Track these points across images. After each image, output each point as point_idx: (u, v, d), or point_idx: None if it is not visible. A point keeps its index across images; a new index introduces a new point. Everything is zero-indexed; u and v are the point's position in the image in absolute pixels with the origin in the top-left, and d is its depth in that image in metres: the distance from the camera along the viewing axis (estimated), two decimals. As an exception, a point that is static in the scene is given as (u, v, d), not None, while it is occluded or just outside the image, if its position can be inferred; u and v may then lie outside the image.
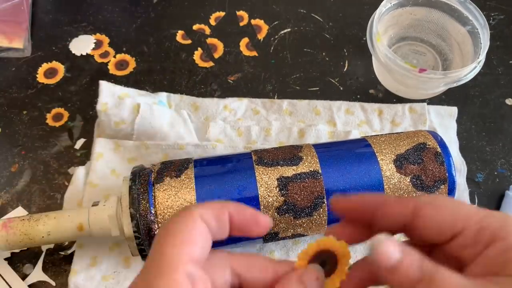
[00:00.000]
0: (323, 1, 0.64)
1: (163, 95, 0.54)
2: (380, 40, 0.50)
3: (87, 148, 0.52)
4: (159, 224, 0.37)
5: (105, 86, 0.51)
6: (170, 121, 0.51)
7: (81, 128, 0.53)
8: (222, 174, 0.39)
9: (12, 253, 0.46)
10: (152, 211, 0.37)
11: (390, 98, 0.56)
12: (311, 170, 0.39)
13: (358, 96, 0.56)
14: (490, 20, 0.62)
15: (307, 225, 0.39)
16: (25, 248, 0.46)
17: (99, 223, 0.39)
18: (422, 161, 0.40)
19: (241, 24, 0.62)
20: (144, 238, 0.37)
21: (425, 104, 0.54)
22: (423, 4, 0.55)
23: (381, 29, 0.55)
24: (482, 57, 0.49)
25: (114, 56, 0.59)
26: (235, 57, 0.59)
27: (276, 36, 0.61)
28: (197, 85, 0.56)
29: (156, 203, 0.37)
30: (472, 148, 0.53)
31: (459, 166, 0.51)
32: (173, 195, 0.38)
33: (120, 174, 0.49)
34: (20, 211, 0.48)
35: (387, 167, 0.40)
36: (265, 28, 0.61)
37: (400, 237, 0.24)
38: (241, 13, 0.62)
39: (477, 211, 0.22)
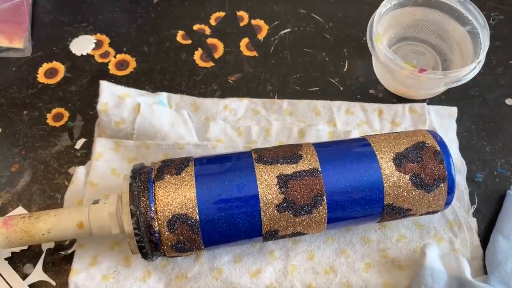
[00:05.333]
0: (323, 1, 0.64)
1: (163, 95, 0.54)
2: (380, 40, 0.50)
3: (88, 148, 0.52)
4: (159, 221, 0.37)
5: (105, 86, 0.51)
6: (170, 121, 0.51)
7: (81, 128, 0.53)
8: (222, 172, 0.39)
9: (13, 253, 0.46)
10: (152, 208, 0.37)
11: (390, 98, 0.56)
12: (310, 168, 0.39)
13: (358, 96, 0.56)
14: (490, 20, 0.62)
15: (306, 223, 0.39)
16: (26, 247, 0.46)
17: (99, 220, 0.39)
18: (422, 159, 0.40)
19: (241, 24, 0.62)
20: (144, 235, 0.37)
21: (425, 104, 0.54)
22: (423, 5, 0.55)
23: (381, 29, 0.55)
24: (482, 57, 0.49)
25: (115, 56, 0.59)
26: (235, 57, 0.59)
27: (276, 36, 0.61)
28: (197, 85, 0.57)
29: (156, 200, 0.37)
30: (472, 148, 0.53)
31: (459, 166, 0.51)
32: (173, 192, 0.38)
33: (120, 173, 0.49)
34: (20, 211, 0.48)
35: (387, 166, 0.40)
36: (265, 28, 0.61)
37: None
38: (241, 13, 0.63)
39: None
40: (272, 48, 0.60)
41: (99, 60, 0.58)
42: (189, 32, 0.61)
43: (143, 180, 0.38)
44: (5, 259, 0.45)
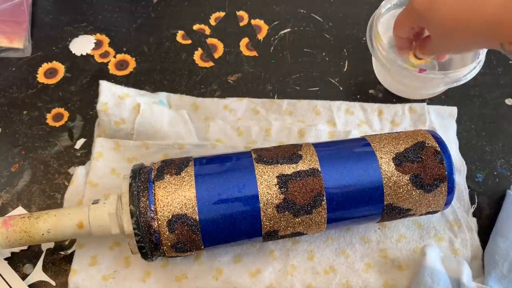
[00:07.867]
0: (323, 1, 0.64)
1: (163, 95, 0.54)
2: (380, 40, 0.50)
3: (87, 148, 0.52)
4: (159, 221, 0.37)
5: (105, 86, 0.51)
6: (170, 121, 0.51)
7: (81, 128, 0.53)
8: (222, 172, 0.39)
9: (12, 253, 0.46)
10: (152, 208, 0.37)
11: (390, 98, 0.56)
12: (310, 168, 0.39)
13: (358, 96, 0.56)
14: (490, 20, 0.62)
15: (306, 223, 0.39)
16: (25, 247, 0.46)
17: (99, 220, 0.39)
18: (421, 159, 0.40)
19: (241, 24, 0.62)
20: (144, 235, 0.37)
21: (425, 104, 0.54)
22: (423, 4, 0.55)
23: (381, 29, 0.54)
24: (482, 57, 0.49)
25: (114, 56, 0.59)
26: (235, 57, 0.59)
27: (276, 36, 0.61)
28: (197, 85, 0.56)
29: (156, 200, 0.37)
30: (472, 148, 0.53)
31: (459, 166, 0.51)
32: (172, 192, 0.38)
33: (120, 173, 0.49)
34: (20, 211, 0.48)
35: (386, 165, 0.40)
36: (265, 28, 0.61)
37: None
38: (241, 13, 0.62)
39: None
40: (272, 48, 0.60)
41: (99, 60, 0.58)
42: (189, 32, 0.61)
43: (143, 180, 0.38)
44: (5, 259, 0.45)
